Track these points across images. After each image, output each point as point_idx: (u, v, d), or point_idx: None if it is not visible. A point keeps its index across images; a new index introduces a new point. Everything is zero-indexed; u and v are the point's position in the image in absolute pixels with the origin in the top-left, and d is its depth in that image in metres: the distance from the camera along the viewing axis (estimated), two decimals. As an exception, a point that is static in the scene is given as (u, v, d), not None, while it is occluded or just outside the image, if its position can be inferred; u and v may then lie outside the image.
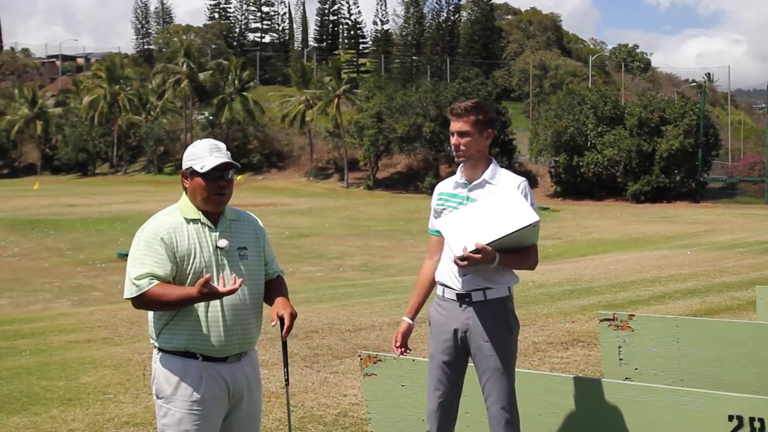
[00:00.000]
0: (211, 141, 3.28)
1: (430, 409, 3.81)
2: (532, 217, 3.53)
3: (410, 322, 3.94)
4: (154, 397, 3.22)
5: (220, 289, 3.02)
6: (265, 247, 3.39)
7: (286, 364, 3.40)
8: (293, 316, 3.25)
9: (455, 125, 3.70)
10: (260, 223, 3.42)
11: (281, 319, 3.23)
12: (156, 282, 3.07)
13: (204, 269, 3.14)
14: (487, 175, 3.74)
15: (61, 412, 5.79)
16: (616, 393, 3.98)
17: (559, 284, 13.24)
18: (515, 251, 3.64)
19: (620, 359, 5.57)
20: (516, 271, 3.79)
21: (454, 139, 3.71)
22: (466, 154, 3.70)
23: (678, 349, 5.44)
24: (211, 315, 3.15)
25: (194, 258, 3.14)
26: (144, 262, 3.09)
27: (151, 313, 3.21)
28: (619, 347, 5.57)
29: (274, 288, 3.38)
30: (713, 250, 19.42)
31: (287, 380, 3.42)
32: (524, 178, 3.78)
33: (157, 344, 3.20)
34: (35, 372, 7.23)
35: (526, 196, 3.63)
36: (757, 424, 3.54)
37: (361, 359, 4.74)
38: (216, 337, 3.15)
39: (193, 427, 3.12)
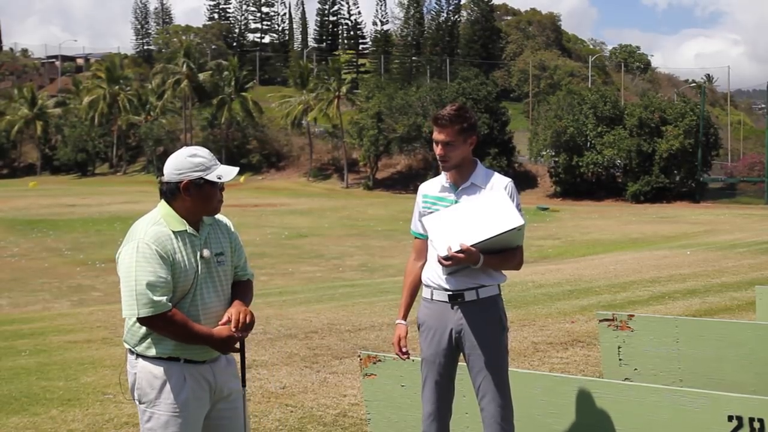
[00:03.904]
0: (205, 150, 3.24)
1: (427, 412, 3.80)
2: (518, 220, 3.55)
3: (406, 324, 3.94)
4: (136, 403, 3.19)
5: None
6: (237, 250, 3.35)
7: (243, 365, 3.35)
8: (247, 313, 3.18)
9: (439, 135, 3.70)
10: (232, 226, 3.39)
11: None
12: (171, 304, 3.03)
13: (192, 281, 3.12)
14: (474, 178, 3.76)
15: (61, 412, 5.79)
16: (615, 393, 3.98)
17: (559, 284, 13.23)
18: (500, 252, 3.66)
19: (620, 359, 5.57)
20: (505, 271, 3.81)
21: (438, 149, 3.72)
22: (452, 163, 3.72)
23: (677, 350, 5.44)
24: (191, 320, 3.13)
25: (182, 270, 3.10)
26: (153, 278, 3.00)
27: (131, 320, 3.13)
28: (619, 347, 5.57)
29: (239, 291, 3.32)
30: (713, 251, 19.42)
31: (244, 383, 3.36)
32: (510, 179, 3.80)
33: (136, 351, 3.15)
34: (35, 372, 7.22)
35: (512, 198, 3.66)
36: (756, 425, 3.54)
37: (360, 359, 4.74)
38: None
39: (179, 429, 3.10)
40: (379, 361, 4.63)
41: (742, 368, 5.28)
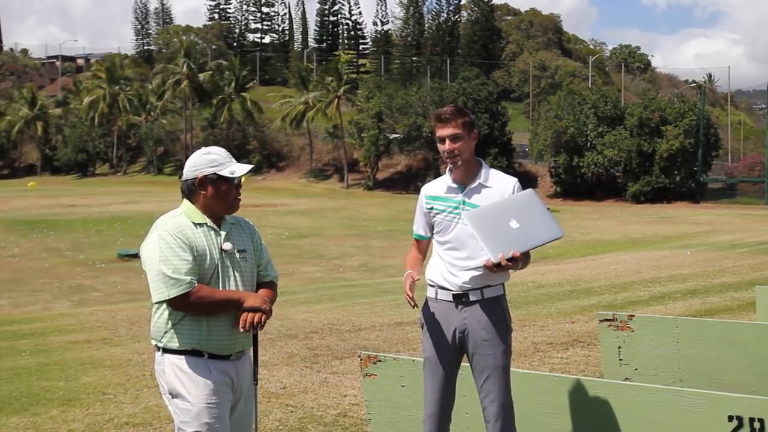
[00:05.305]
0: (221, 148, 3.36)
1: (428, 412, 3.79)
2: (558, 231, 3.58)
3: (414, 274, 3.77)
4: (168, 397, 3.24)
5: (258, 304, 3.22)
6: (261, 250, 3.45)
7: (255, 361, 3.41)
8: (263, 311, 3.22)
9: (445, 131, 3.67)
10: (255, 227, 3.51)
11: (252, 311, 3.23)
12: (196, 281, 3.11)
13: (212, 271, 3.21)
14: (480, 177, 3.73)
15: (61, 412, 5.79)
16: (615, 393, 3.98)
17: (559, 285, 13.23)
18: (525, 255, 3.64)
19: (620, 360, 5.57)
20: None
21: (447, 145, 3.66)
22: (462, 157, 3.68)
23: (678, 350, 5.44)
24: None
25: (202, 258, 3.19)
26: (177, 261, 3.10)
27: (156, 314, 3.23)
28: (619, 348, 5.57)
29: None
30: (713, 251, 19.42)
31: (256, 380, 3.41)
32: (516, 179, 3.78)
33: (161, 345, 3.22)
34: (35, 372, 7.23)
35: None
36: (756, 425, 3.54)
37: (360, 359, 4.74)
38: (221, 335, 3.22)
39: (212, 419, 3.17)
40: (380, 361, 4.63)
41: (743, 368, 5.28)
